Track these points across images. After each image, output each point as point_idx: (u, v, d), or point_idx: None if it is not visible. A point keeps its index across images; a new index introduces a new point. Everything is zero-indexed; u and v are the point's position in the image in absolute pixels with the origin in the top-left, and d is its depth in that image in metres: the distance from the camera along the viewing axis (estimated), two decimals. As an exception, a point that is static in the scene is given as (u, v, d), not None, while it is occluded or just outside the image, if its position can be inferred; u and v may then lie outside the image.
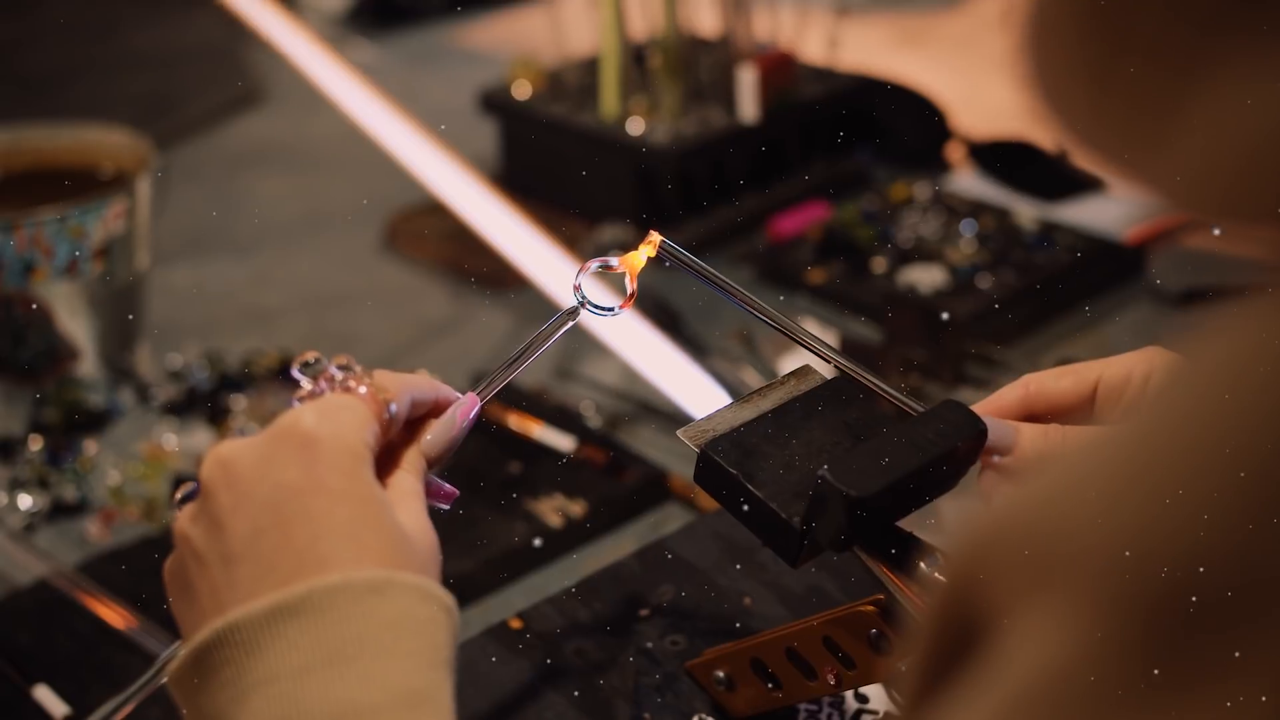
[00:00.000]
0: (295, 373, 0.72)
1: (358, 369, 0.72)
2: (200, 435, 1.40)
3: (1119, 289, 1.61)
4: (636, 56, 1.79)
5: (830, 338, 1.51)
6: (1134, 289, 1.61)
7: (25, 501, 1.31)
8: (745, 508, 0.76)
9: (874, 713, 0.90)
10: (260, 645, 0.62)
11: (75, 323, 1.44)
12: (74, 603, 1.14)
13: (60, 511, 1.32)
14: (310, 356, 0.72)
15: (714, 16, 1.87)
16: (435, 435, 0.74)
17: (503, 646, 0.93)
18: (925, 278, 1.56)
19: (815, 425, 0.79)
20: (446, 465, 0.77)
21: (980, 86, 2.20)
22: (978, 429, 0.75)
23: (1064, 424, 0.81)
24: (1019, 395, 0.81)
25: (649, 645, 0.94)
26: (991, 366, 1.43)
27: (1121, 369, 0.79)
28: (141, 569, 1.19)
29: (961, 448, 0.75)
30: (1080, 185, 1.81)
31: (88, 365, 1.47)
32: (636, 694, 0.90)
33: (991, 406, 0.81)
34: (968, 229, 1.66)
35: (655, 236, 0.81)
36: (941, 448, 0.74)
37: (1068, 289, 1.58)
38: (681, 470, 1.30)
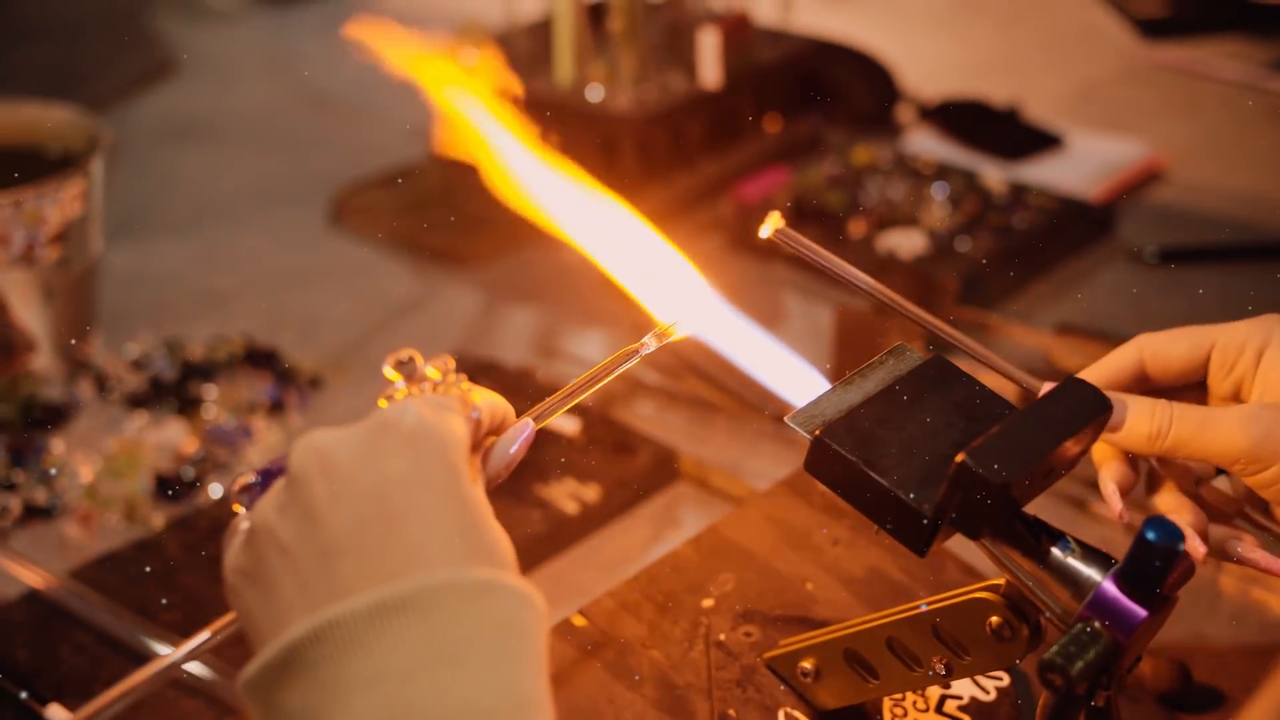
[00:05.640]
0: (389, 370, 0.69)
1: (452, 374, 0.70)
2: (172, 428, 1.32)
3: (1093, 248, 1.61)
4: (591, 20, 1.73)
5: (821, 310, 1.48)
6: (1108, 248, 1.61)
7: (-7, 506, 1.23)
8: (866, 496, 0.72)
9: (958, 698, 0.88)
10: (364, 642, 0.58)
11: (30, 312, 1.36)
12: (73, 614, 1.07)
13: (32, 514, 1.24)
14: (405, 355, 0.70)
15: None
16: (493, 459, 0.72)
17: (570, 645, 0.89)
18: (905, 243, 1.54)
19: (924, 406, 0.76)
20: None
21: (916, 46, 2.19)
22: (1104, 406, 0.73)
23: (1175, 391, 0.80)
24: (1134, 360, 0.80)
25: (722, 638, 0.90)
26: (984, 331, 1.41)
27: (1237, 337, 0.78)
28: (139, 575, 1.12)
29: (1090, 426, 0.72)
30: (1037, 143, 1.81)
31: (43, 357, 1.38)
32: (716, 690, 0.87)
33: (1106, 372, 0.80)
34: (939, 192, 1.64)
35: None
36: (1073, 427, 0.71)
37: (1045, 250, 1.57)
38: (689, 449, 1.26)
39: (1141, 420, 0.76)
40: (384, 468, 0.63)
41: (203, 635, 0.70)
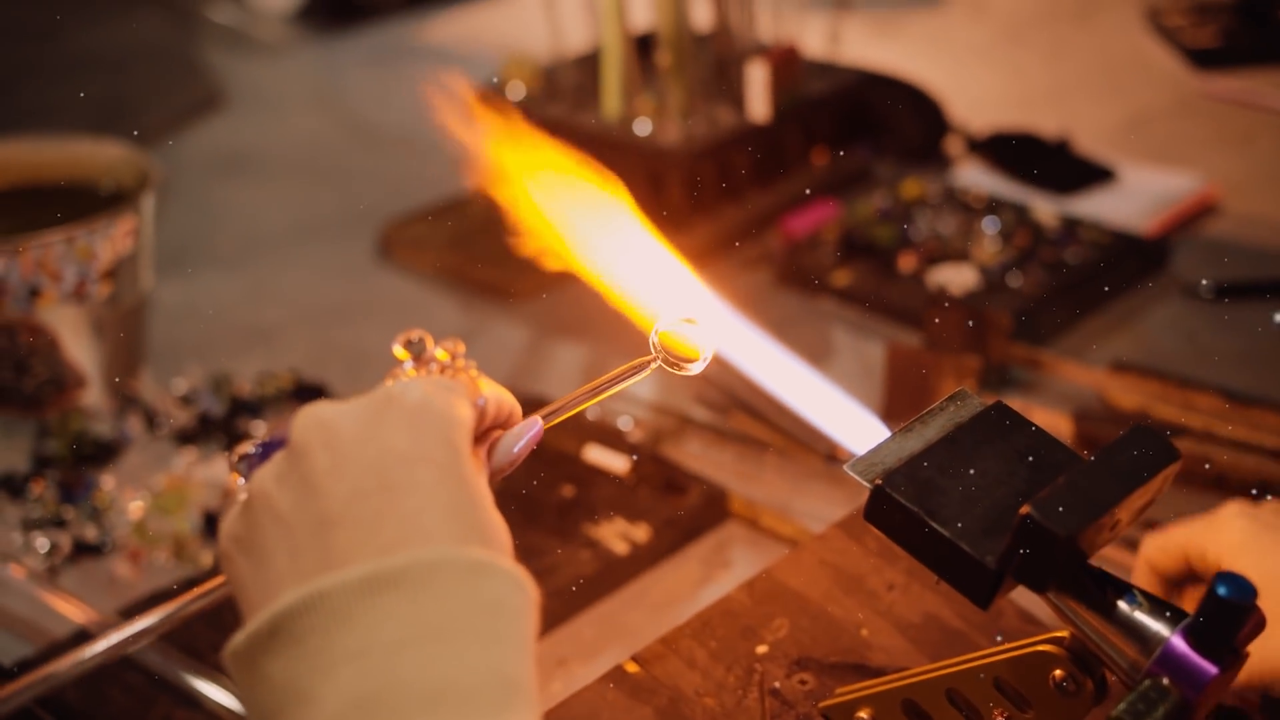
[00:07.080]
0: (398, 349, 0.69)
1: (460, 359, 0.70)
2: (220, 464, 1.32)
3: (1148, 283, 1.59)
4: (639, 53, 1.73)
5: (871, 346, 1.47)
6: (1163, 283, 1.59)
7: (42, 543, 1.23)
8: (927, 546, 0.71)
9: (1017, 747, 0.86)
10: (353, 615, 0.58)
11: (81, 348, 1.36)
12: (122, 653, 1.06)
13: (82, 551, 1.24)
14: (415, 335, 0.70)
15: (705, 11, 1.82)
16: (498, 453, 0.72)
17: (623, 693, 0.88)
18: (956, 278, 1.53)
19: (986, 454, 0.74)
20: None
21: (963, 78, 2.17)
22: (1173, 455, 0.71)
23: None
24: (1145, 567, 0.90)
25: (777, 685, 0.89)
26: (1037, 368, 1.39)
27: (1199, 551, 0.87)
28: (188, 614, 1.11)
29: (1158, 476, 0.71)
30: (1088, 176, 1.79)
31: (93, 393, 1.39)
32: (771, 739, 0.85)
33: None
34: (990, 226, 1.62)
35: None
36: (1141, 478, 0.70)
37: (1099, 285, 1.55)
38: (739, 488, 1.25)
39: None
40: (385, 441, 0.63)
41: (182, 600, 0.69)
